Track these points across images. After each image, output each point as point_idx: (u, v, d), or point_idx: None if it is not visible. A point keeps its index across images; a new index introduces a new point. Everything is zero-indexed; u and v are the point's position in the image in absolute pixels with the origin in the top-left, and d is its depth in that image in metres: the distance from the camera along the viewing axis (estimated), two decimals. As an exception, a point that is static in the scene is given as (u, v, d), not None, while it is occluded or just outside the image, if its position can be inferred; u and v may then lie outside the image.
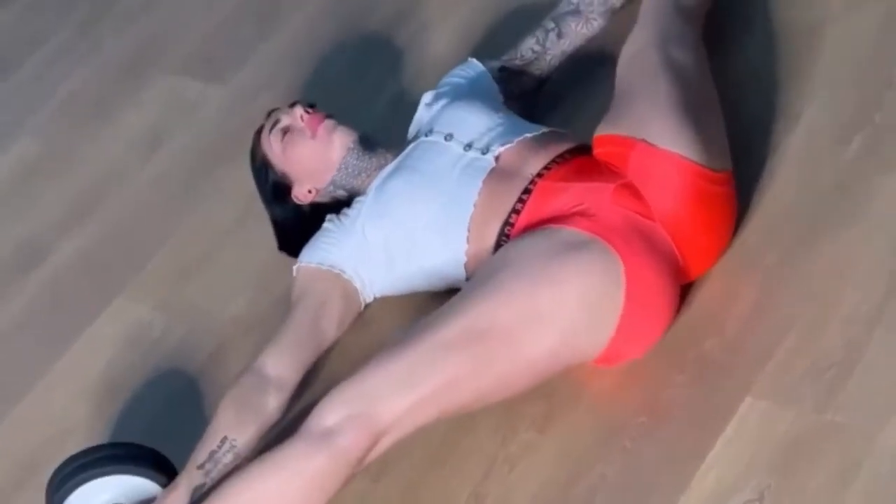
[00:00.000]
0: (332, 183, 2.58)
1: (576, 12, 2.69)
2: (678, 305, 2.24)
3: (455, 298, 2.20)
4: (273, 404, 2.31)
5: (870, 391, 2.05)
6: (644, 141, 2.19)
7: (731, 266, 2.30)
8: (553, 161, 2.32)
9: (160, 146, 3.18)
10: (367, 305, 2.51)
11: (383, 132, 2.73)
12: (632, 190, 2.20)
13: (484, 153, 2.39)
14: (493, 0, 3.03)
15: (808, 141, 2.43)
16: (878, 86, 2.46)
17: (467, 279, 2.34)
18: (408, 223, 2.40)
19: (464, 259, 2.35)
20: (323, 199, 2.60)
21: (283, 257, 2.64)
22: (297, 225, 2.62)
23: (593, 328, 2.16)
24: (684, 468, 2.07)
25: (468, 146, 2.42)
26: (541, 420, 2.25)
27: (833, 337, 2.13)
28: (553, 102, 2.72)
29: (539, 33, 2.68)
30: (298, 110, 2.58)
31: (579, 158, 2.32)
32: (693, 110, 2.23)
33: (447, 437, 2.28)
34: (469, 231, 2.33)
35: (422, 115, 2.60)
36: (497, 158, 2.38)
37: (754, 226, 2.34)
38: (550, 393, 2.26)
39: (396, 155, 2.54)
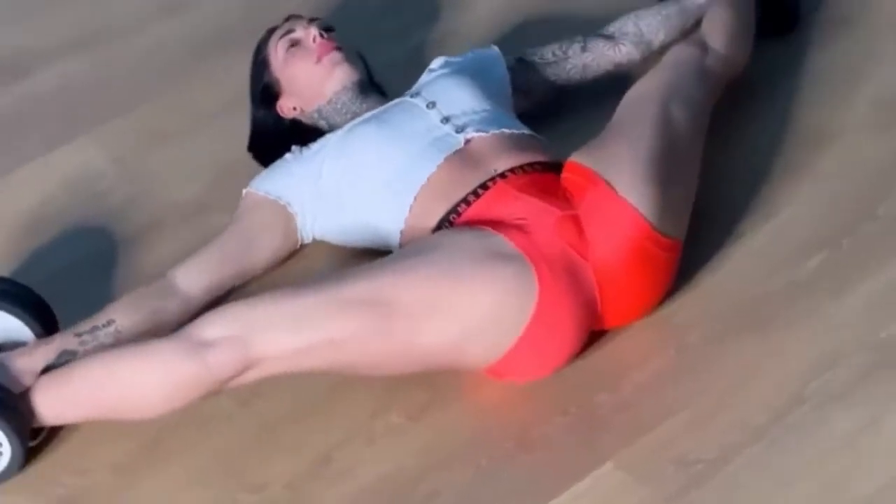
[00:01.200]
0: (318, 111, 2.58)
1: (608, 36, 2.67)
2: (581, 347, 2.23)
3: (374, 263, 2.19)
4: (172, 312, 2.32)
5: (722, 500, 2.04)
6: (607, 183, 2.18)
7: (651, 331, 2.30)
8: (520, 166, 2.31)
9: (180, 12, 3.15)
10: (303, 245, 2.50)
11: (389, 78, 2.71)
12: (577, 224, 2.19)
13: (457, 132, 2.38)
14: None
15: (772, 241, 2.42)
16: (860, 213, 2.45)
17: (399, 247, 2.33)
18: (364, 171, 2.40)
19: (402, 226, 2.34)
20: (304, 120, 2.60)
21: (252, 161, 2.63)
22: (272, 133, 2.63)
23: (491, 338, 2.15)
24: (524, 504, 2.07)
25: (446, 119, 2.41)
26: (416, 409, 2.25)
27: (714, 435, 2.13)
28: (556, 115, 2.69)
29: (565, 42, 2.66)
30: (314, 30, 2.58)
31: (545, 174, 2.30)
32: (667, 171, 2.21)
33: (324, 392, 2.28)
34: (415, 201, 2.32)
35: (423, 77, 2.59)
36: (467, 142, 2.37)
37: (688, 302, 2.34)
38: (436, 386, 2.26)
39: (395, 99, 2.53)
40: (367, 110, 2.54)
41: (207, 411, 2.25)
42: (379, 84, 2.70)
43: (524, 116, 2.57)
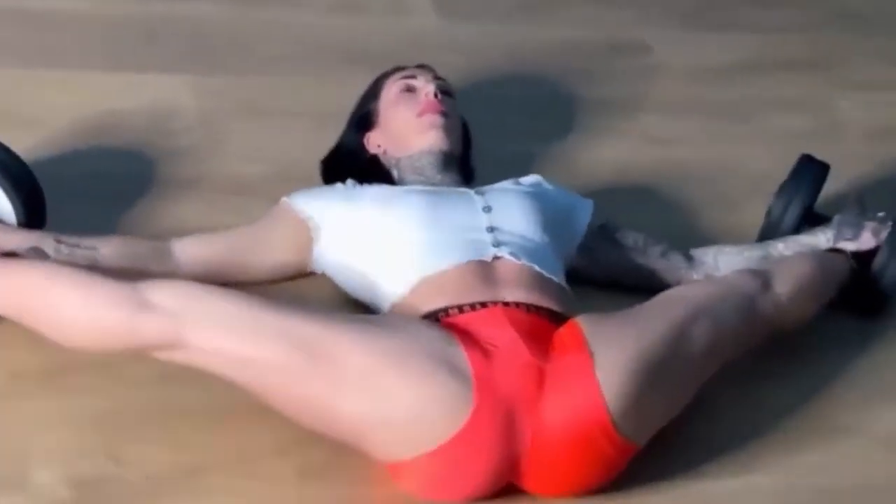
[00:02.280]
0: (397, 160, 2.57)
1: (688, 257, 2.58)
2: (490, 491, 2.12)
3: (337, 312, 2.13)
4: (155, 274, 2.26)
5: None
6: (591, 356, 2.09)
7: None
8: (528, 304, 2.22)
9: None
10: (310, 273, 2.45)
11: (490, 172, 2.67)
12: (542, 378, 2.10)
13: (493, 245, 2.31)
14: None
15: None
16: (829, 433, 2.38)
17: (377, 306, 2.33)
18: (394, 234, 2.35)
19: (396, 299, 2.28)
20: (382, 160, 2.58)
21: (313, 168, 2.63)
22: (349, 157, 2.62)
23: (403, 438, 2.06)
24: None
25: (491, 229, 2.34)
26: (311, 466, 2.17)
27: None
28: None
29: (652, 239, 2.57)
30: (432, 87, 2.57)
31: (546, 322, 2.22)
32: (656, 377, 2.12)
33: (243, 407, 2.20)
34: (420, 284, 2.26)
35: (504, 182, 2.52)
36: (495, 258, 2.30)
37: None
38: (342, 458, 2.17)
39: (462, 188, 2.48)
40: (441, 183, 2.48)
41: (127, 373, 2.23)
42: (471, 167, 2.65)
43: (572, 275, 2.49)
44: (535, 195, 2.49)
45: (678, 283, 2.52)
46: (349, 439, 2.10)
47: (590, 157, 2.94)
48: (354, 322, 2.11)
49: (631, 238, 2.56)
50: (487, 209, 2.39)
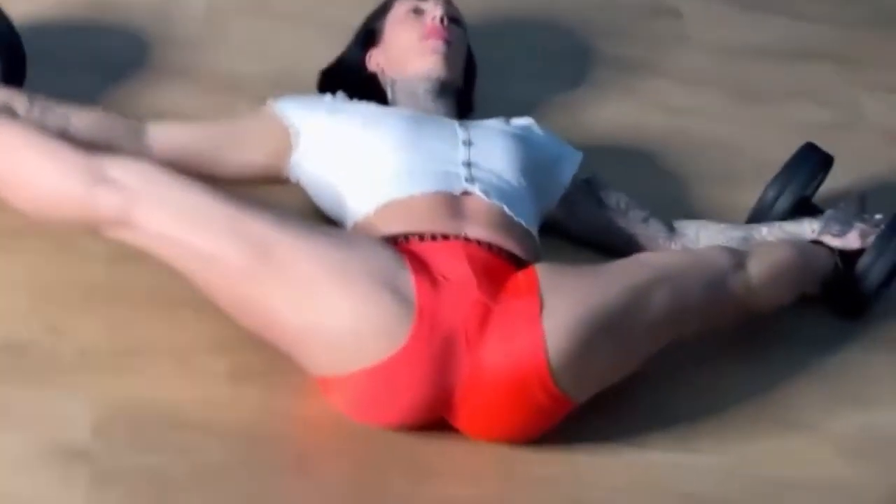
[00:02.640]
0: (394, 81, 2.52)
1: (670, 227, 2.52)
2: (417, 421, 2.08)
3: (293, 218, 2.08)
4: (125, 149, 2.22)
5: None
6: (541, 304, 2.03)
7: (500, 458, 2.14)
8: (489, 243, 2.17)
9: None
10: (285, 180, 2.39)
11: (485, 102, 2.64)
12: (487, 317, 2.05)
13: (466, 181, 2.26)
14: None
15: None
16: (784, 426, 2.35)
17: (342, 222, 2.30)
18: (369, 153, 2.30)
19: (359, 218, 2.24)
20: (380, 79, 2.54)
21: (311, 77, 2.58)
22: (348, 71, 2.59)
23: (335, 353, 2.02)
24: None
25: (467, 164, 2.29)
26: (244, 371, 2.14)
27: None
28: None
29: (635, 203, 2.52)
30: (439, 12, 2.51)
31: (504, 264, 2.16)
32: (605, 336, 2.07)
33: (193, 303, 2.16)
34: (384, 207, 2.21)
35: (493, 120, 2.46)
36: (464, 193, 2.25)
37: (556, 459, 2.17)
38: (272, 365, 2.13)
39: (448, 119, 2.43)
40: (433, 112, 2.43)
41: (81, 247, 2.21)
42: (470, 102, 2.60)
43: (549, 226, 2.46)
44: (522, 138, 2.43)
45: (654, 251, 2.46)
46: (284, 346, 2.06)
47: (596, 113, 2.88)
48: (309, 230, 2.06)
49: (614, 198, 2.50)
50: (468, 143, 2.33)
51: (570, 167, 2.48)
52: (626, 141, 2.82)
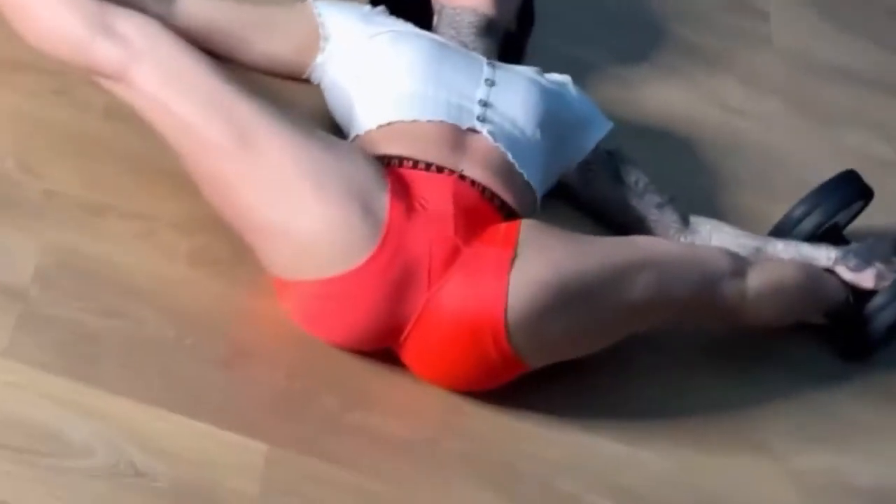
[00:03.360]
0: (443, 7, 2.46)
1: (685, 220, 2.42)
2: (364, 346, 2.03)
3: (288, 114, 2.02)
4: (149, 7, 2.15)
5: None
6: (513, 259, 1.96)
7: (441, 404, 2.08)
8: (483, 187, 2.10)
9: None
10: (306, 79, 2.34)
11: (538, 55, 2.56)
12: (454, 258, 1.98)
13: (478, 119, 2.18)
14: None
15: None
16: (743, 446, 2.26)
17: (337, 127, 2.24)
18: (391, 71, 2.24)
19: (362, 132, 2.19)
20: (433, 4, 2.47)
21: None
22: None
23: (292, 256, 1.97)
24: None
25: (484, 103, 2.21)
26: (210, 258, 2.09)
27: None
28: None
29: (653, 189, 2.42)
30: None
31: (493, 213, 2.09)
32: (571, 307, 2.00)
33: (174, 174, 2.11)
34: (389, 126, 2.15)
35: (528, 69, 2.38)
36: (471, 130, 2.18)
37: (500, 420, 2.10)
38: (234, 257, 2.09)
39: (488, 58, 2.34)
40: (472, 48, 2.35)
41: (78, 94, 2.18)
42: (520, 49, 2.51)
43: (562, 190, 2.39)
44: (552, 93, 2.34)
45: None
46: (248, 238, 2.01)
47: (650, 93, 2.78)
48: (297, 128, 2.00)
49: (634, 176, 2.41)
50: (490, 83, 2.25)
51: (596, 134, 2.40)
52: (672, 128, 2.72)
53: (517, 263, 1.97)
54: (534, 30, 2.64)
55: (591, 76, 2.69)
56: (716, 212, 2.56)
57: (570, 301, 1.98)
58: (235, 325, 2.03)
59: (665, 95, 2.78)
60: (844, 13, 3.21)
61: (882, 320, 2.39)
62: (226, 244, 2.08)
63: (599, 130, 2.40)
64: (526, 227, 2.03)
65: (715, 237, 2.39)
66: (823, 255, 2.39)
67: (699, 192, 2.62)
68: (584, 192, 2.41)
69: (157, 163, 2.13)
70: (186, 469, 1.86)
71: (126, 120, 2.11)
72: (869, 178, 2.58)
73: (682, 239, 2.38)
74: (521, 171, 2.18)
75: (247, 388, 1.97)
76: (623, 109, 2.66)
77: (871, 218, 2.62)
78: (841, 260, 2.38)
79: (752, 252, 2.36)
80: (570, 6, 2.83)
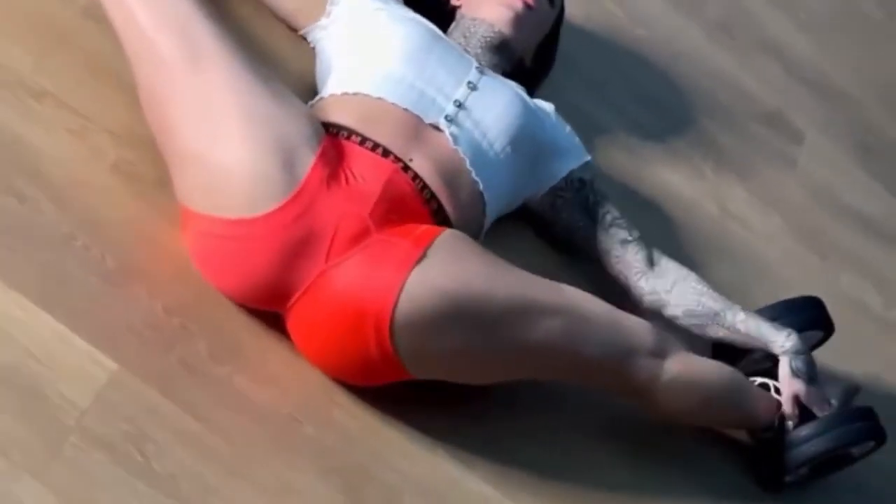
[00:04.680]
0: (462, 16, 2.42)
1: (651, 263, 2.32)
2: (248, 300, 1.97)
3: (256, 60, 1.99)
4: None
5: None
6: (420, 258, 1.90)
7: (313, 385, 2.01)
8: (424, 184, 2.04)
9: None
10: (301, 36, 2.31)
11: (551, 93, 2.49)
12: (363, 239, 1.92)
13: (445, 118, 2.15)
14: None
15: None
16: None
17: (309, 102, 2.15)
18: (380, 42, 2.21)
19: (326, 95, 2.15)
20: (457, 13, 2.42)
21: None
22: None
23: (204, 187, 1.91)
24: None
25: (459, 104, 2.18)
26: (117, 160, 2.04)
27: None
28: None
29: (621, 224, 2.33)
30: None
31: (426, 214, 2.04)
32: (465, 327, 1.93)
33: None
34: (354, 97, 2.11)
35: (518, 86, 2.31)
36: (433, 126, 2.14)
37: (370, 421, 2.02)
38: (156, 182, 2.03)
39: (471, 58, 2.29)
40: (485, 64, 2.29)
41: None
42: (530, 82, 2.44)
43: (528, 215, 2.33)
44: (533, 112, 2.28)
45: (625, 279, 2.30)
46: (167, 158, 1.96)
47: (652, 170, 2.70)
48: (252, 66, 1.96)
49: (604, 209, 2.32)
50: (472, 86, 2.20)
51: (570, 162, 2.33)
52: (663, 209, 2.64)
53: (423, 264, 1.90)
54: (553, 74, 2.58)
55: (599, 137, 2.62)
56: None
57: (464, 319, 1.91)
58: (133, 244, 1.98)
59: (667, 177, 2.71)
60: (876, 160, 3.12)
61: (802, 452, 2.29)
62: (153, 167, 2.03)
63: (576, 159, 2.33)
64: (447, 234, 1.96)
65: (677, 289, 2.29)
66: (780, 339, 2.28)
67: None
68: (551, 218, 2.34)
69: (115, 70, 2.09)
70: (26, 361, 1.80)
71: (101, 22, 2.07)
72: (850, 323, 2.54)
73: (643, 281, 2.29)
74: (476, 179, 2.11)
75: (119, 306, 1.91)
76: (621, 177, 2.60)
77: (837, 363, 2.54)
78: (792, 355, 2.27)
79: (709, 315, 2.27)
80: (601, 66, 2.78)
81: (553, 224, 2.34)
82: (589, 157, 2.36)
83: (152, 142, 2.00)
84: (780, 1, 3.26)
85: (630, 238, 2.30)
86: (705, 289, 2.29)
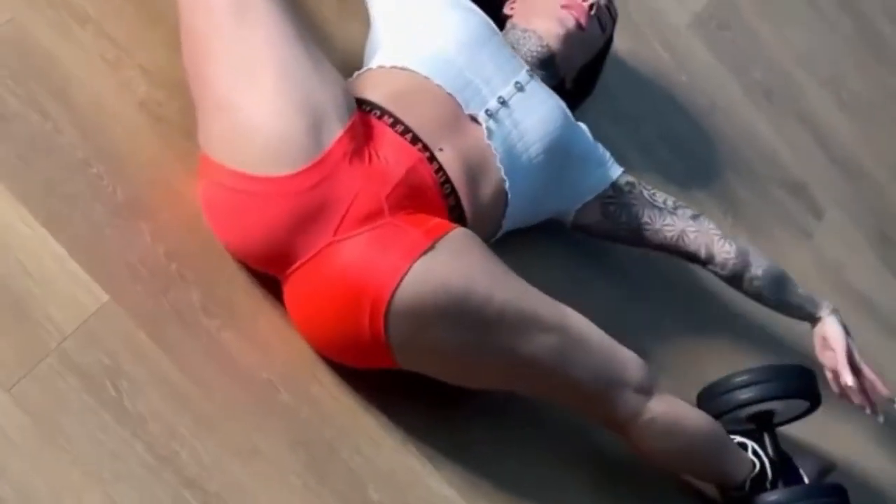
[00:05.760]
0: (513, 25, 2.40)
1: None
2: (250, 260, 1.96)
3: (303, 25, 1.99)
4: None
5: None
6: (429, 248, 1.89)
7: (303, 359, 2.00)
8: (448, 179, 2.03)
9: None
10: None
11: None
12: (374, 219, 1.90)
13: (486, 111, 2.14)
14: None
15: None
16: None
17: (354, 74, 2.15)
18: (435, 24, 2.21)
19: (373, 65, 2.15)
20: (509, 17, 2.41)
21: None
22: None
23: (227, 137, 1.89)
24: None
25: (502, 101, 2.17)
26: (145, 98, 2.03)
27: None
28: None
29: (682, 204, 2.37)
30: None
31: (443, 209, 2.02)
32: (460, 328, 1.93)
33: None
34: (396, 72, 2.11)
35: (560, 100, 2.31)
36: (471, 118, 2.13)
37: (351, 403, 2.01)
38: (183, 125, 2.02)
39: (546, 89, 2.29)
40: (530, 78, 2.28)
41: None
42: (572, 100, 2.43)
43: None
44: (573, 129, 2.29)
45: (707, 250, 2.34)
46: (198, 103, 1.95)
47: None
48: (297, 31, 1.95)
49: (661, 197, 2.36)
50: (520, 87, 2.20)
51: (611, 171, 2.34)
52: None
53: (429, 255, 1.89)
54: (589, 102, 2.57)
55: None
56: (659, 338, 2.47)
57: (460, 317, 1.90)
58: (147, 183, 1.96)
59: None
60: (893, 250, 3.11)
61: None
62: (182, 111, 2.02)
63: (614, 170, 2.34)
64: (458, 231, 1.95)
65: (752, 249, 2.39)
66: (826, 301, 2.40)
67: (641, 314, 2.51)
68: (611, 225, 2.35)
69: (161, 10, 2.08)
70: (19, 275, 1.78)
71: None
72: (836, 408, 2.49)
73: (727, 245, 2.35)
74: (504, 177, 2.11)
75: (122, 241, 1.90)
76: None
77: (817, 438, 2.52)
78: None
79: (782, 275, 2.40)
80: (637, 103, 2.78)
81: (615, 231, 2.36)
82: (622, 169, 2.36)
83: (183, 88, 1.99)
84: (827, 78, 3.26)
85: (697, 213, 2.35)
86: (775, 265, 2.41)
